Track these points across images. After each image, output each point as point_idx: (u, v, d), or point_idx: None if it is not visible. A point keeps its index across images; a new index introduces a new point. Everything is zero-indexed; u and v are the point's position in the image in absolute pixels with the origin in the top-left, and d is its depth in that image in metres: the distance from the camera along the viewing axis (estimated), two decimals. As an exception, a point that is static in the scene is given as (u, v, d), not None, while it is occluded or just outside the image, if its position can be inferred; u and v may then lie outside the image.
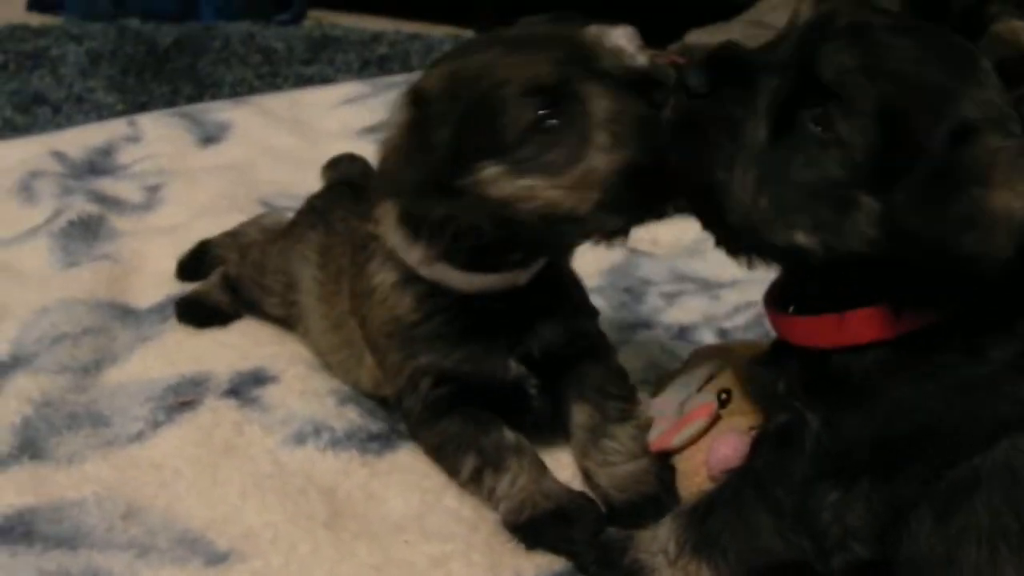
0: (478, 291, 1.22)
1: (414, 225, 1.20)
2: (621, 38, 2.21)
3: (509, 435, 1.22)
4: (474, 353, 1.24)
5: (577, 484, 1.24)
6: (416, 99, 1.12)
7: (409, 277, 1.24)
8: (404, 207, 1.20)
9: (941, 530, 0.93)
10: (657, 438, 1.23)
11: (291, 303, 1.53)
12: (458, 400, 1.24)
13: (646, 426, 1.25)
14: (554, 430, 1.31)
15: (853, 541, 0.97)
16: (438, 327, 1.24)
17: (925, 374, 0.94)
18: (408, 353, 1.26)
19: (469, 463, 1.21)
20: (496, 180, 1.09)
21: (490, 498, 1.19)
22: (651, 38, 2.28)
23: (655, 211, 1.15)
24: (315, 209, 1.58)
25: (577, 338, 1.30)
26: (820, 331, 0.99)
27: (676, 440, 1.21)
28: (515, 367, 1.25)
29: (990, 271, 0.85)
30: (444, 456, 1.24)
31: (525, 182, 1.08)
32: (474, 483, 1.21)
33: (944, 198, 0.85)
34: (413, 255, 1.22)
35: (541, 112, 1.07)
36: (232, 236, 1.79)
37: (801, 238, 0.93)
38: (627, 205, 1.10)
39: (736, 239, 1.00)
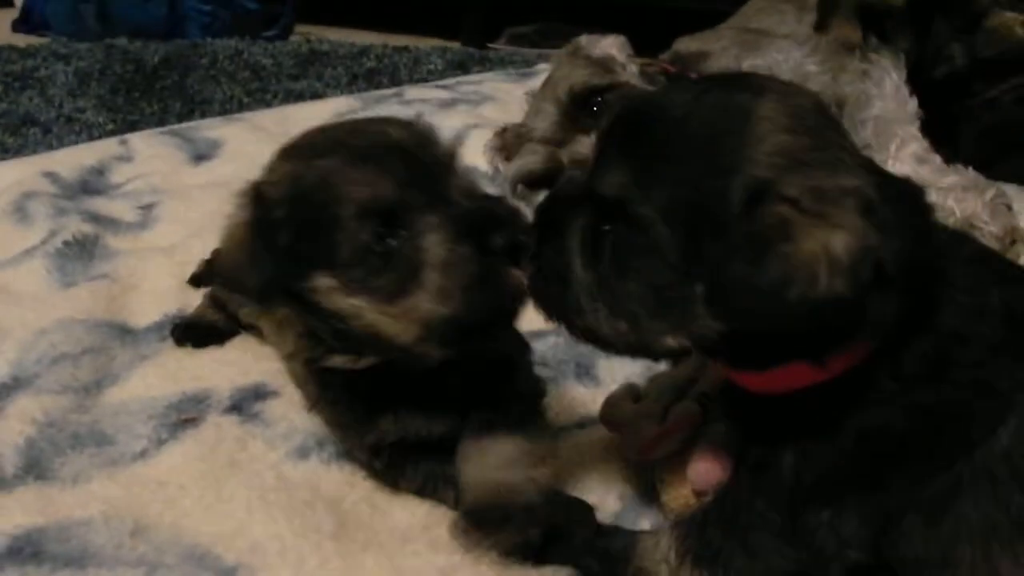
0: (366, 368, 1.17)
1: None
2: (612, 47, 2.24)
3: None
4: (389, 426, 1.20)
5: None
6: (258, 199, 1.09)
7: (309, 361, 1.21)
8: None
9: (933, 533, 0.95)
10: (640, 447, 1.24)
11: (259, 315, 1.50)
12: (407, 454, 1.23)
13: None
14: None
15: (849, 550, 0.99)
16: (344, 412, 1.23)
17: (881, 400, 0.94)
18: (340, 431, 1.27)
19: (451, 497, 1.20)
20: (328, 293, 1.07)
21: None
22: (641, 47, 2.31)
23: (482, 343, 1.13)
24: None
25: (505, 398, 1.25)
26: (757, 381, 1.00)
27: (659, 451, 1.22)
28: (440, 424, 1.21)
29: (839, 313, 0.84)
30: (428, 494, 1.23)
31: (354, 301, 1.06)
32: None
33: (757, 265, 0.84)
34: (288, 343, 1.24)
35: (376, 234, 1.04)
36: None
37: (670, 341, 0.95)
38: (450, 343, 1.07)
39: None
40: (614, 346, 1.00)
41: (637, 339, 0.97)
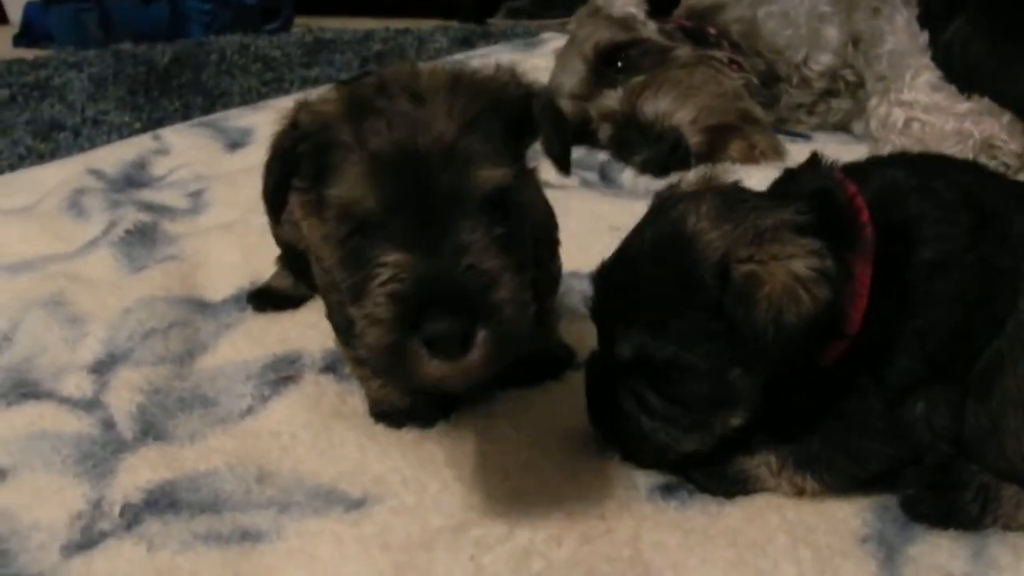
0: None
1: None
2: (630, 5, 2.31)
3: None
4: None
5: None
6: (296, 117, 1.08)
7: None
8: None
9: (983, 408, 1.08)
10: None
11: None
12: None
13: None
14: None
15: (940, 441, 1.10)
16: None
17: (913, 307, 1.07)
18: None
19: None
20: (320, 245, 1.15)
21: (363, 385, 1.36)
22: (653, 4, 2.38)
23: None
24: None
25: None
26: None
27: None
28: None
29: (833, 303, 1.01)
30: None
31: (335, 267, 1.10)
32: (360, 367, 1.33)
33: (751, 319, 1.00)
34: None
35: (349, 233, 1.02)
36: None
37: (736, 421, 1.11)
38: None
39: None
40: (702, 452, 1.15)
41: (713, 437, 1.13)
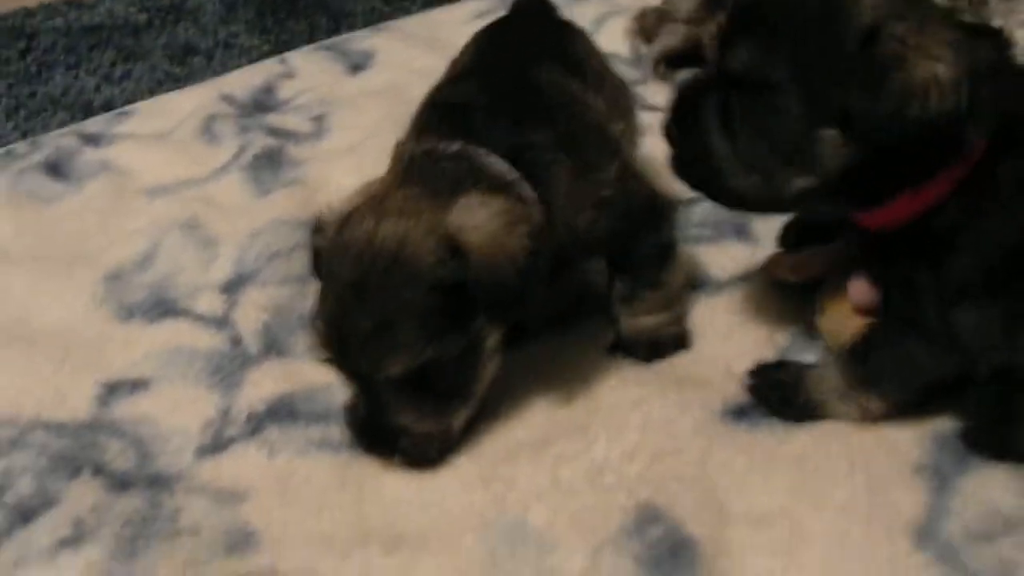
0: None
1: None
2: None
3: None
4: None
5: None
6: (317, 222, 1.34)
7: None
8: None
9: None
10: (794, 263, 1.40)
11: None
12: None
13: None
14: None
15: (993, 352, 1.12)
16: None
17: (994, 211, 1.08)
18: None
19: None
20: None
21: None
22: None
23: None
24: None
25: None
26: (876, 217, 1.14)
27: (810, 270, 1.38)
28: None
29: (948, 126, 1.00)
30: None
31: None
32: None
33: (878, 92, 0.99)
34: None
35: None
36: None
37: (799, 183, 1.09)
38: None
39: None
40: (750, 201, 1.17)
41: (770, 189, 1.12)
